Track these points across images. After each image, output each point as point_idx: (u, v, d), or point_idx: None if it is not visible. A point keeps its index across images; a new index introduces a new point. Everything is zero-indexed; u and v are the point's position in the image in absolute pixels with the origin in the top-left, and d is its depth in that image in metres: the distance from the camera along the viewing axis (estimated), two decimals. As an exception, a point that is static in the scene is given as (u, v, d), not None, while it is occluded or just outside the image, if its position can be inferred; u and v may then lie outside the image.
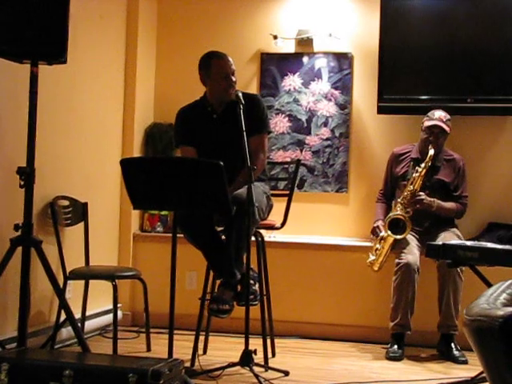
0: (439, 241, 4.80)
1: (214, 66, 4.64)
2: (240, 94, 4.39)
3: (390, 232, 5.16)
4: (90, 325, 5.23)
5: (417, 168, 5.22)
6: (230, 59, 4.65)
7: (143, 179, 4.09)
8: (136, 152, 5.96)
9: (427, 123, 5.27)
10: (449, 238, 5.00)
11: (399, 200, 5.22)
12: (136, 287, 5.56)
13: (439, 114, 5.27)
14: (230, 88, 4.59)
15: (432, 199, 5.19)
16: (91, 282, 5.04)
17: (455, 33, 5.62)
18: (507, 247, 4.29)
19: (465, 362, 4.89)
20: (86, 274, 4.98)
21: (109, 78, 5.78)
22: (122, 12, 5.93)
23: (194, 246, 4.48)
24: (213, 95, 4.69)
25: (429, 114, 5.30)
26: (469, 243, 4.50)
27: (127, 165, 4.14)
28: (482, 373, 4.08)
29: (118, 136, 5.92)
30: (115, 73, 5.88)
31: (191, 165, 4.20)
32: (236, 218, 4.22)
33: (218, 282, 4.56)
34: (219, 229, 4.58)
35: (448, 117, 5.27)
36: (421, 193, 5.16)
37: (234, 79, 4.61)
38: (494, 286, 1.51)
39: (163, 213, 5.95)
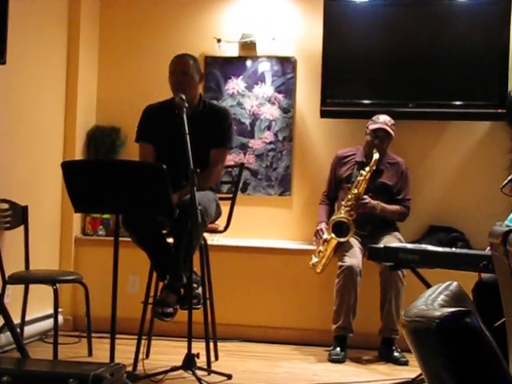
0: (381, 244, 4.85)
1: (170, 67, 4.66)
2: (184, 97, 4.37)
3: (333, 235, 5.20)
4: (29, 330, 5.16)
5: (361, 171, 5.27)
6: (187, 59, 4.63)
7: (85, 182, 4.07)
8: (78, 155, 5.88)
9: (372, 126, 5.33)
10: (391, 241, 5.04)
11: (343, 203, 5.26)
12: (77, 291, 5.48)
13: (384, 118, 5.34)
14: (177, 85, 4.53)
15: (376, 202, 5.25)
16: (31, 286, 4.97)
17: (398, 38, 5.69)
18: (447, 250, 4.37)
19: (405, 363, 4.94)
20: (26, 278, 4.91)
21: (50, 79, 5.70)
22: (64, 14, 5.86)
23: (139, 248, 4.45)
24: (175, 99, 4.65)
25: (373, 118, 5.36)
26: (410, 246, 4.56)
27: (69, 167, 4.11)
28: (422, 374, 4.13)
29: (60, 138, 5.84)
30: (56, 75, 5.80)
31: (134, 168, 4.19)
32: (184, 221, 4.20)
33: (160, 285, 4.53)
34: (164, 231, 4.56)
35: (392, 121, 5.34)
36: (365, 196, 5.21)
37: (181, 77, 4.55)
38: (432, 288, 1.53)
39: (105, 216, 5.89)
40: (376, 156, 5.24)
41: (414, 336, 1.32)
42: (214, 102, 5.35)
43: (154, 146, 4.66)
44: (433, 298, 1.46)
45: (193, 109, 4.53)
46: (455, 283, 1.61)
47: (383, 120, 5.33)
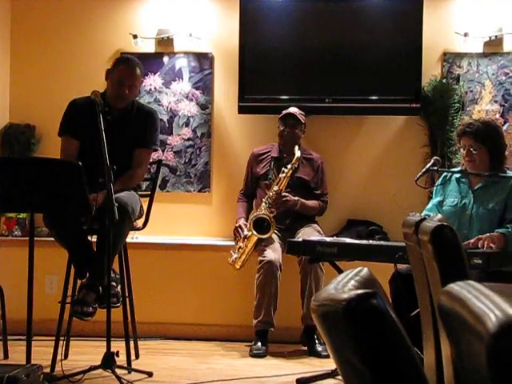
0: (300, 237, 4.89)
1: (116, 70, 4.61)
2: (99, 98, 4.31)
3: (254, 231, 5.22)
4: None
5: (283, 169, 5.30)
6: (137, 72, 4.62)
7: (-2, 180, 3.99)
8: (-9, 153, 5.78)
9: (281, 115, 5.39)
10: (309, 233, 5.10)
11: (264, 200, 5.28)
12: (-7, 293, 5.38)
13: (293, 108, 5.41)
14: (120, 97, 4.52)
15: (296, 198, 5.29)
16: None
17: (314, 34, 5.74)
18: (364, 242, 4.44)
19: (327, 356, 4.97)
20: None
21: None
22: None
23: (60, 246, 4.40)
24: (108, 96, 4.59)
25: (283, 110, 5.42)
26: (328, 239, 4.62)
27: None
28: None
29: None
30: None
31: (49, 165, 4.13)
32: (105, 220, 4.16)
33: (78, 284, 4.47)
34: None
35: (302, 112, 5.41)
36: (285, 193, 5.26)
37: (126, 91, 4.52)
38: (344, 274, 1.56)
39: (21, 215, 5.78)
40: (298, 154, 5.27)
41: (322, 320, 1.33)
42: (143, 103, 5.25)
43: (78, 141, 4.59)
44: (344, 283, 1.48)
45: (125, 110, 4.52)
46: (366, 269, 1.63)
47: (292, 110, 5.39)
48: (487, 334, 0.91)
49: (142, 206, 4.70)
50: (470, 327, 1.00)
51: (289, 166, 5.28)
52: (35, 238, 4.09)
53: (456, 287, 1.11)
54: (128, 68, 4.62)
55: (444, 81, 5.72)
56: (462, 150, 4.54)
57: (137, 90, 4.69)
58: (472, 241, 4.10)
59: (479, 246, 4.07)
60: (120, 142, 4.26)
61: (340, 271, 4.36)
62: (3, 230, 5.82)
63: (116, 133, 4.38)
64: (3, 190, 3.99)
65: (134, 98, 4.71)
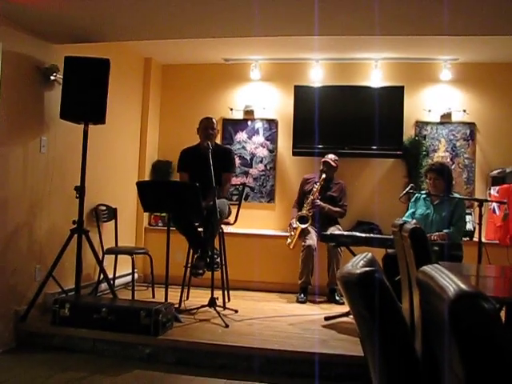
0: (328, 232, 4.85)
1: (201, 123, 4.65)
2: (209, 144, 4.36)
3: (298, 223, 5.21)
4: (118, 282, 5.14)
5: (314, 185, 5.32)
6: (213, 120, 4.63)
7: (150, 193, 4.07)
8: (146, 177, 5.88)
9: (322, 160, 5.40)
10: (334, 230, 5.04)
11: (304, 205, 5.28)
12: (146, 259, 5.47)
13: (330, 155, 5.41)
14: (206, 138, 4.54)
15: (325, 205, 5.26)
16: (119, 256, 4.97)
17: (339, 108, 5.68)
18: (367, 235, 4.37)
19: (343, 304, 4.93)
20: (116, 251, 4.91)
21: (131, 132, 5.72)
22: (139, 91, 5.87)
23: (181, 235, 4.44)
24: (200, 143, 4.64)
25: (325, 156, 5.41)
26: (345, 233, 4.56)
27: (140, 185, 4.12)
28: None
29: (135, 168, 5.84)
30: (134, 129, 5.82)
31: (179, 185, 4.19)
32: (209, 218, 4.19)
33: (195, 256, 4.51)
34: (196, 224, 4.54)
35: (336, 158, 5.41)
36: (317, 200, 5.24)
37: (210, 132, 4.56)
38: (357, 256, 1.54)
39: (162, 214, 5.88)
40: (323, 176, 5.29)
41: (343, 286, 1.33)
42: (222, 144, 5.21)
43: (188, 173, 4.63)
44: (356, 262, 1.46)
45: (212, 149, 4.54)
46: (370, 254, 1.62)
47: (330, 157, 5.38)
48: (448, 299, 0.90)
49: (229, 208, 4.68)
50: (436, 293, 0.99)
51: (318, 184, 5.29)
52: (170, 228, 4.14)
53: (428, 268, 1.10)
54: (206, 120, 4.65)
55: (416, 138, 5.62)
56: (427, 180, 4.45)
57: (215, 130, 4.62)
58: (430, 236, 4.02)
59: (433, 238, 4.02)
60: (213, 169, 4.27)
61: (353, 253, 4.32)
62: (152, 221, 5.93)
63: (208, 164, 4.37)
64: (152, 199, 4.06)
65: (216, 137, 4.64)
